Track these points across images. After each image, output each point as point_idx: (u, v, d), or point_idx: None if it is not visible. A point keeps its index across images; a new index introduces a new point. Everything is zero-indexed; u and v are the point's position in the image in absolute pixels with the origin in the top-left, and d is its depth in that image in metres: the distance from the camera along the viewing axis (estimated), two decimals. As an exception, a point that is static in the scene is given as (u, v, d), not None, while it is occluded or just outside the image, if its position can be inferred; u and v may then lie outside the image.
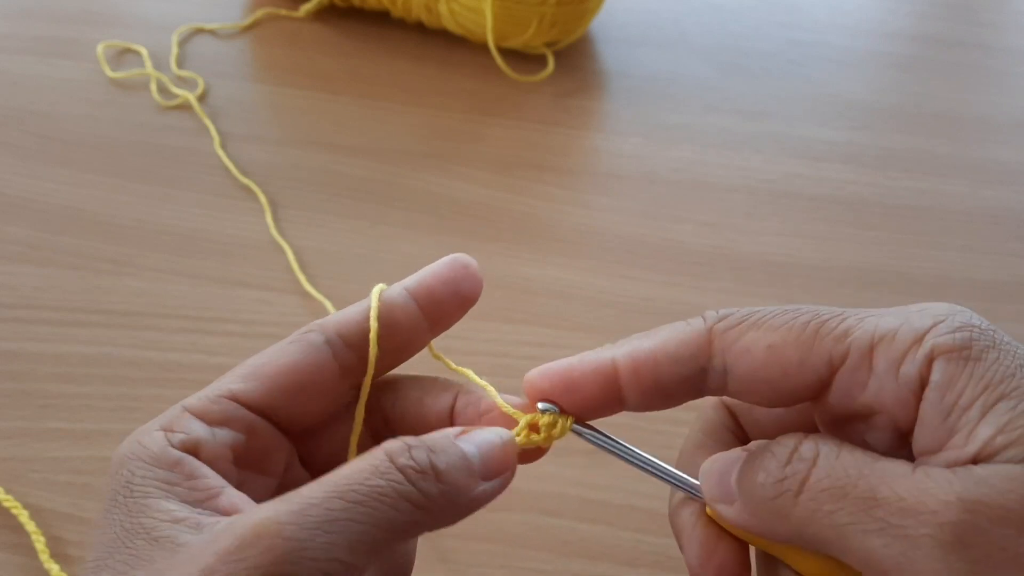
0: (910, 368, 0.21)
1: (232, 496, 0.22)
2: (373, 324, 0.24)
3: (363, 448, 0.25)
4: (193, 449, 0.23)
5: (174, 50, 0.63)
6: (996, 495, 0.19)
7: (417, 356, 0.27)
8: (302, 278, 0.50)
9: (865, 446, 0.22)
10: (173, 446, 0.22)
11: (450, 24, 0.66)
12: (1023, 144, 0.62)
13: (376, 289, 0.25)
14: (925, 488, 0.20)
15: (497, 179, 0.57)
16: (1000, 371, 0.20)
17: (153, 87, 0.62)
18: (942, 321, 0.21)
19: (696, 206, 0.56)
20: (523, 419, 0.24)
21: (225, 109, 0.61)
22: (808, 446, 0.22)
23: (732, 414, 0.27)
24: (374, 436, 0.26)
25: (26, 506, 0.40)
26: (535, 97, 0.64)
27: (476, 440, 0.23)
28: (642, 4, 0.73)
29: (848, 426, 0.23)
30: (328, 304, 0.48)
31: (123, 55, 0.65)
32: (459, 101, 0.63)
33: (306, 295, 0.49)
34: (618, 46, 0.69)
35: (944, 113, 0.65)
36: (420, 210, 0.55)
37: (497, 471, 0.23)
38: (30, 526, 0.39)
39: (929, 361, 0.21)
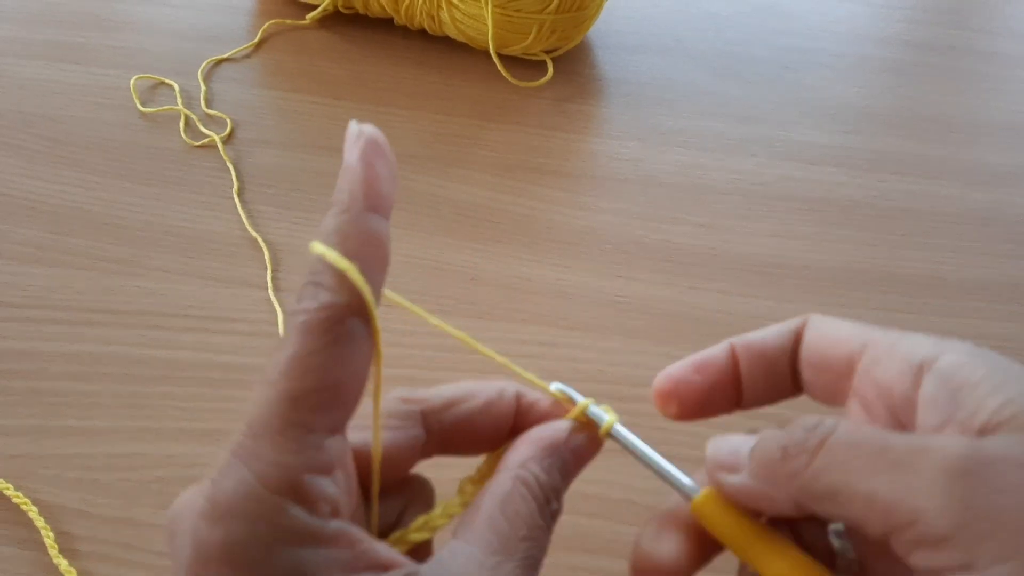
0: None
1: (381, 548, 0.21)
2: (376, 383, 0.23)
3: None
4: (335, 511, 0.20)
5: (202, 86, 0.64)
6: (1004, 444, 0.19)
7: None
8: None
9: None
10: (320, 516, 0.19)
11: (452, 31, 0.66)
12: (1013, 147, 0.63)
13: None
14: (935, 436, 0.20)
15: (498, 182, 0.58)
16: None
17: (143, 102, 0.63)
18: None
19: (692, 208, 0.57)
20: (573, 411, 0.26)
21: (231, 114, 0.62)
22: (830, 420, 0.22)
23: None
24: (440, 444, 0.26)
25: (36, 502, 0.40)
26: (535, 102, 0.64)
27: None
28: (639, 12, 0.74)
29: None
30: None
31: (124, 54, 0.66)
32: (461, 106, 0.64)
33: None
34: (616, 53, 0.70)
35: (935, 117, 0.65)
36: (423, 212, 0.56)
37: None
38: (40, 522, 0.39)
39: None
